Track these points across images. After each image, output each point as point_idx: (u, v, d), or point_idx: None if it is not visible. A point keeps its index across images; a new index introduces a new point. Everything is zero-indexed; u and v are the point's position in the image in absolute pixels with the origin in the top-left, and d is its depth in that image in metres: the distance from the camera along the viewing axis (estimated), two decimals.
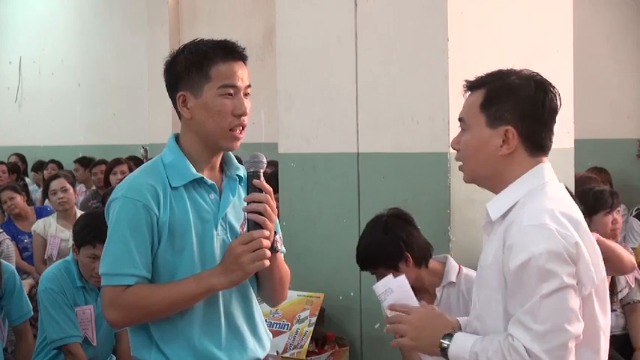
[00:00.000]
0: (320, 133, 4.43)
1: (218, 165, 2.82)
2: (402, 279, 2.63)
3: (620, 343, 4.63)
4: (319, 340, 4.23)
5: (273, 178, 4.23)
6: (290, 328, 4.16)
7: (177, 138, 2.80)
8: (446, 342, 2.39)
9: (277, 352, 4.15)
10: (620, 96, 8.64)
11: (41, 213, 7.29)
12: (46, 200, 7.45)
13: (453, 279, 3.64)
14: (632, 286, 4.72)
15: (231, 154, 2.87)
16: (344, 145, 4.33)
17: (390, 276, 2.66)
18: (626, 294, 4.70)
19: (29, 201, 8.55)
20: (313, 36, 4.43)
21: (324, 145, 4.41)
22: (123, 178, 8.26)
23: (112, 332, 4.26)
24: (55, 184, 6.85)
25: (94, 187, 8.96)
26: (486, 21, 4.15)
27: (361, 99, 4.27)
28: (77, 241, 4.16)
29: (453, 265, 3.68)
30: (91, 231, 4.06)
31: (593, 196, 4.66)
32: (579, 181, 4.80)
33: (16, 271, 4.64)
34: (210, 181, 2.72)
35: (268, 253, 2.59)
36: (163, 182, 2.67)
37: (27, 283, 4.83)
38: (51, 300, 4.11)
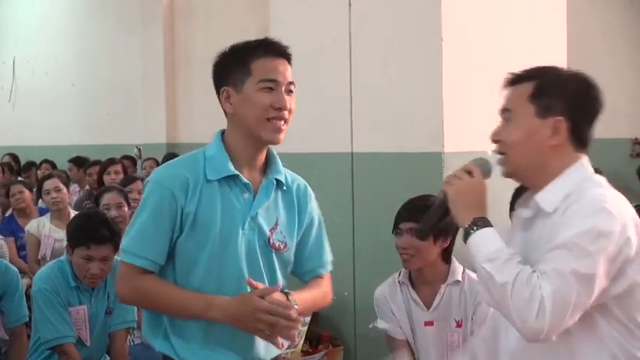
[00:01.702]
0: (315, 132, 4.44)
1: (260, 165, 2.82)
2: None
3: None
4: (313, 339, 4.24)
5: None
6: None
7: (223, 134, 2.85)
8: (481, 223, 2.38)
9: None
10: (615, 96, 8.59)
11: (45, 213, 7.30)
12: (39, 200, 7.44)
13: (459, 277, 3.66)
14: None
15: (277, 157, 2.88)
16: (338, 145, 4.34)
17: None
18: None
19: None
20: (308, 36, 4.44)
21: (319, 145, 4.42)
22: (117, 178, 8.31)
23: (105, 332, 4.24)
24: (48, 184, 6.83)
25: (87, 187, 8.95)
26: (480, 21, 4.16)
27: (355, 99, 4.28)
28: (71, 242, 4.15)
29: (457, 264, 3.69)
30: (84, 232, 4.06)
31: None
32: None
33: (19, 274, 4.63)
34: (245, 180, 2.73)
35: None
36: (198, 174, 2.71)
37: (24, 283, 4.82)
38: (45, 300, 4.09)
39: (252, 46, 2.79)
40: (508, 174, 2.52)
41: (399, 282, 3.73)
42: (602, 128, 8.65)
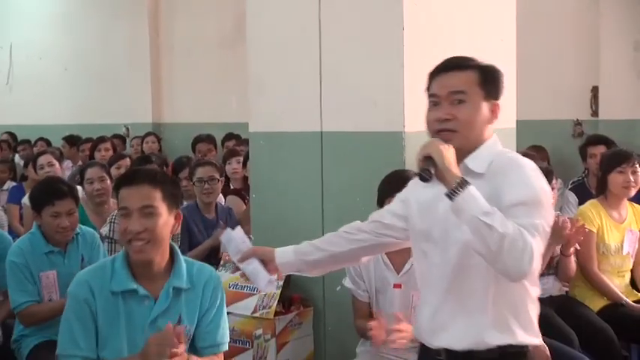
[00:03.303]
0: (287, 113, 4.42)
1: (160, 271, 3.02)
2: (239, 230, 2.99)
3: (557, 304, 4.70)
4: (286, 301, 4.25)
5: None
6: (259, 291, 4.16)
7: None
8: (467, 180, 2.45)
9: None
10: (557, 81, 8.68)
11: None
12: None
13: None
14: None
15: (180, 261, 3.06)
16: (308, 125, 4.32)
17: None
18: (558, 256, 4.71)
19: (15, 175, 8.51)
20: (281, 25, 4.42)
21: (290, 125, 4.40)
22: (107, 155, 8.30)
23: None
24: (42, 160, 6.82)
25: (80, 163, 8.90)
26: (438, 12, 4.16)
27: (324, 83, 4.26)
28: (37, 206, 4.21)
29: None
30: (47, 192, 4.17)
31: None
32: None
33: (12, 242, 4.62)
34: (143, 292, 2.98)
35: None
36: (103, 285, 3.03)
37: None
38: (14, 271, 4.12)
39: (121, 178, 3.06)
40: (457, 146, 2.58)
41: None
42: (547, 110, 8.74)
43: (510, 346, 2.58)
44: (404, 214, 2.83)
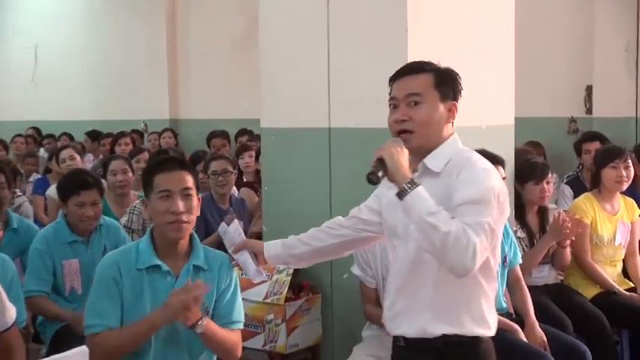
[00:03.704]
0: (296, 110, 4.42)
1: (183, 252, 3.11)
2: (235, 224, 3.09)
3: (553, 292, 4.70)
4: (295, 288, 4.25)
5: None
6: (270, 278, 4.17)
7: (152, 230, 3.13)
8: (416, 181, 2.47)
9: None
10: (553, 80, 8.67)
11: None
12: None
13: None
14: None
15: (198, 244, 3.15)
16: (317, 121, 4.32)
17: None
18: (556, 247, 4.70)
19: (38, 167, 8.54)
20: (291, 28, 4.41)
21: (300, 121, 4.40)
22: (127, 149, 8.32)
23: None
24: (64, 153, 6.85)
25: (101, 157, 8.92)
26: (440, 14, 4.15)
27: (332, 82, 4.26)
28: (64, 195, 4.21)
29: None
30: (74, 183, 4.17)
31: (526, 166, 4.67)
32: (518, 153, 4.81)
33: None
34: (166, 268, 3.04)
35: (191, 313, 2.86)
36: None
37: None
38: (35, 257, 4.12)
39: (154, 165, 3.08)
40: (414, 148, 2.62)
41: None
42: (544, 107, 8.72)
43: (456, 336, 2.60)
44: (378, 209, 2.85)
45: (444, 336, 2.60)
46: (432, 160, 2.63)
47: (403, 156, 2.52)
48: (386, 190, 2.68)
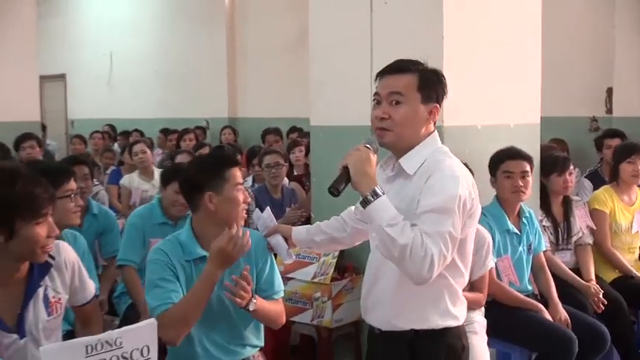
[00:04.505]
0: (342, 110, 4.42)
1: None
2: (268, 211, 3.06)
3: None
4: (340, 269, 4.25)
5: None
6: (318, 260, 4.18)
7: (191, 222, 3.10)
8: (379, 192, 2.33)
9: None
10: (577, 83, 8.57)
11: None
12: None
13: None
14: (585, 231, 4.69)
15: None
16: (360, 119, 4.30)
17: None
18: (580, 237, 4.67)
19: (114, 160, 8.66)
20: (339, 32, 4.40)
21: (345, 119, 4.39)
22: (191, 144, 8.38)
23: None
24: (136, 148, 6.93)
25: (168, 150, 9.02)
26: (474, 23, 4.11)
27: (374, 84, 4.24)
28: (165, 180, 4.26)
29: None
30: (175, 172, 4.14)
31: (550, 160, 4.63)
32: (543, 149, 4.76)
33: (115, 218, 4.69)
34: None
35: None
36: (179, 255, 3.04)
37: (119, 222, 4.89)
38: (130, 230, 4.18)
39: (224, 159, 3.02)
40: (387, 144, 2.50)
41: None
42: (567, 108, 8.54)
43: (424, 330, 2.49)
44: None
45: (414, 330, 2.49)
46: (406, 161, 2.47)
47: (369, 164, 2.38)
48: (381, 183, 2.46)
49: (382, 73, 2.54)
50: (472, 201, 2.40)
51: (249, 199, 3.01)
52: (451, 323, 2.52)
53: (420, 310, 2.49)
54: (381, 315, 2.56)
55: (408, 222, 2.29)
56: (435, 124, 2.54)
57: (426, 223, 2.28)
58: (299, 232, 3.05)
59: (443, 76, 2.55)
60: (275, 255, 3.17)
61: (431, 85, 2.49)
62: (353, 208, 2.90)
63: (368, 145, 2.47)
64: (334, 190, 2.41)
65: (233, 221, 2.87)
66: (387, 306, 2.53)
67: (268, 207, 3.25)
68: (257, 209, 3.19)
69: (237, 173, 2.97)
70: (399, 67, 2.51)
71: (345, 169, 2.41)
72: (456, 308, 2.53)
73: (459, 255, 2.44)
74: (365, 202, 2.33)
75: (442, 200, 2.30)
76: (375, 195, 2.32)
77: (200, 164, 3.05)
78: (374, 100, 2.55)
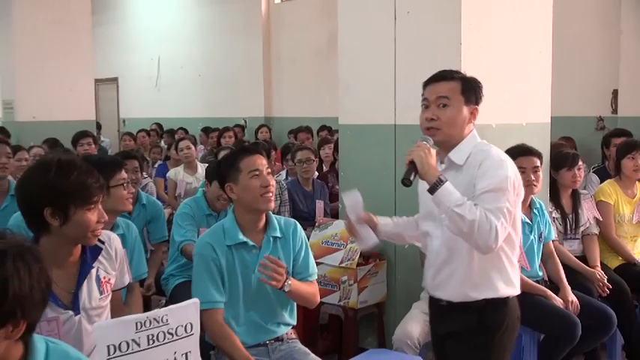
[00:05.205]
0: (368, 109, 4.41)
1: (261, 227, 3.06)
2: (357, 194, 2.88)
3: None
4: (365, 255, 4.25)
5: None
6: (345, 247, 4.19)
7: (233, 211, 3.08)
8: (443, 179, 2.44)
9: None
10: (584, 84, 8.49)
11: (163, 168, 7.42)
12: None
13: None
14: (591, 222, 4.65)
15: (273, 218, 3.08)
16: (385, 119, 4.30)
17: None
18: (587, 227, 4.63)
19: (162, 155, 8.72)
20: (365, 39, 4.39)
21: (370, 119, 4.39)
22: (230, 141, 8.39)
23: None
24: (181, 144, 6.96)
25: (209, 147, 9.06)
26: (489, 30, 4.07)
27: (398, 86, 4.23)
28: (210, 177, 4.26)
29: None
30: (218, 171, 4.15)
31: (560, 156, 4.60)
32: (553, 146, 4.73)
33: (162, 207, 4.72)
34: (251, 243, 2.99)
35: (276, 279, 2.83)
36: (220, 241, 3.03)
37: (165, 212, 4.93)
38: (182, 218, 4.19)
39: (238, 151, 3.02)
40: (438, 142, 2.60)
41: None
42: (575, 108, 8.42)
43: (493, 299, 2.58)
44: None
45: (485, 300, 2.58)
46: (455, 154, 2.60)
47: (431, 157, 2.48)
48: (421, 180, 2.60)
49: (429, 82, 2.67)
50: (518, 180, 2.52)
51: (271, 183, 2.93)
52: (513, 292, 2.63)
53: (490, 281, 2.58)
54: (453, 289, 2.62)
55: (471, 202, 2.40)
56: (474, 123, 2.65)
57: (486, 201, 2.40)
58: (386, 225, 2.99)
59: (480, 82, 2.67)
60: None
61: (471, 89, 2.63)
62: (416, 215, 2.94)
63: (425, 142, 2.57)
64: (407, 181, 2.49)
65: (255, 206, 2.93)
66: (460, 281, 2.60)
67: (359, 193, 2.95)
68: (355, 190, 2.90)
69: (250, 162, 2.94)
70: (444, 76, 2.65)
71: (412, 163, 2.49)
72: (515, 277, 2.64)
73: (512, 228, 2.54)
74: (433, 189, 2.43)
75: (497, 181, 2.43)
76: (441, 182, 2.42)
77: (220, 161, 3.08)
78: (422, 104, 2.65)
